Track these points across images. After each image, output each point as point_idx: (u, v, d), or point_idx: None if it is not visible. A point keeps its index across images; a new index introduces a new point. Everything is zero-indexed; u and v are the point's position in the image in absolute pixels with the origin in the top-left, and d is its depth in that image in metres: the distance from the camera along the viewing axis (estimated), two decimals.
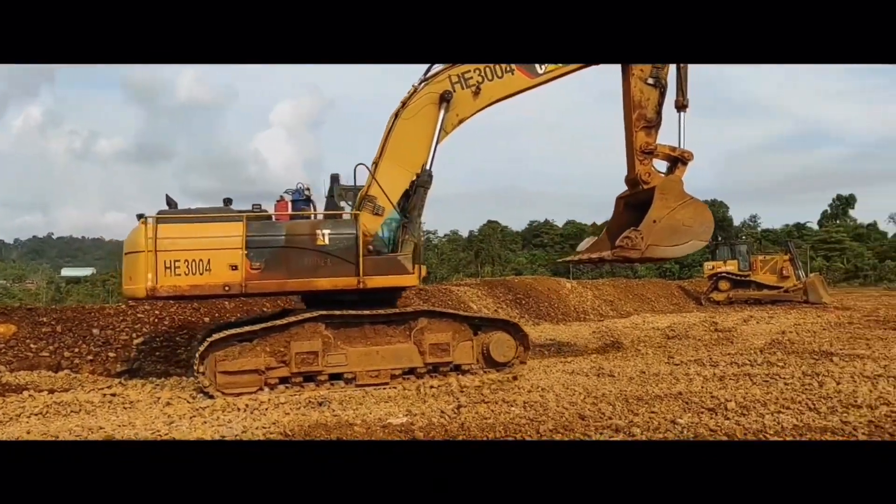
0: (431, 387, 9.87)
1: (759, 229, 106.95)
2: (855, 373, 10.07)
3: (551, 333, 18.42)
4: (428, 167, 10.73)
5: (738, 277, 31.94)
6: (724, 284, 32.05)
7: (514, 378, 10.41)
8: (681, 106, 12.35)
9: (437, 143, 10.75)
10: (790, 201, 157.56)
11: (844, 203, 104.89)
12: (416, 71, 11.13)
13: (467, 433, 7.21)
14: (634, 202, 12.46)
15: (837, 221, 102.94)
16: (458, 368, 10.58)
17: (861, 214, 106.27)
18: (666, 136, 12.47)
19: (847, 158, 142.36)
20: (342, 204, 10.98)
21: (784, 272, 31.29)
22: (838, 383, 9.35)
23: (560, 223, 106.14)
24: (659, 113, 12.15)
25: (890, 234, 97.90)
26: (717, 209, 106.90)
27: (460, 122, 11.09)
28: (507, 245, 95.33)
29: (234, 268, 9.73)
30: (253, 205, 10.42)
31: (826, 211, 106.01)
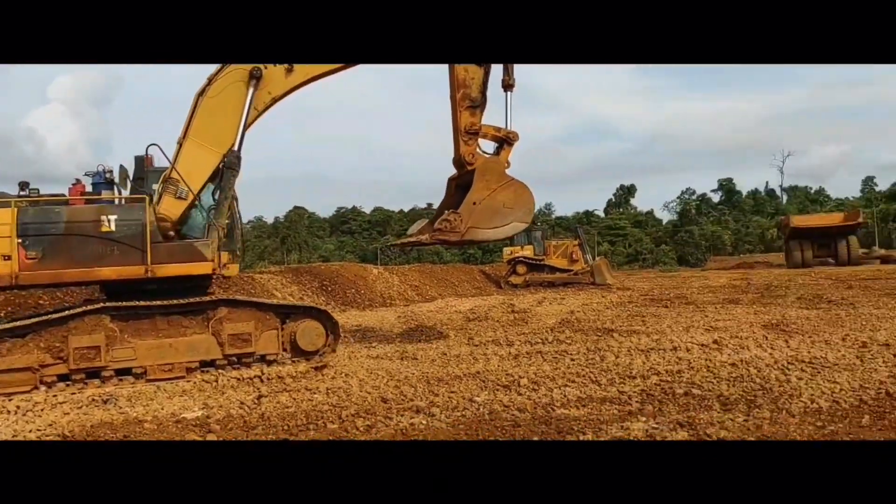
0: (233, 378, 9.49)
1: (553, 216, 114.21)
2: (631, 347, 11.06)
3: (357, 319, 18.45)
4: (236, 148, 10.16)
5: (534, 261, 33.91)
6: (521, 268, 33.90)
7: (323, 367, 10.26)
8: (507, 86, 12.01)
9: (245, 123, 10.08)
10: (581, 190, 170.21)
11: (626, 192, 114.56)
12: None
13: (268, 423, 7.04)
14: (463, 184, 12.21)
15: (620, 209, 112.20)
16: (263, 359, 10.21)
17: (641, 203, 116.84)
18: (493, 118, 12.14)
19: (628, 152, 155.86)
20: (155, 187, 10.13)
21: (574, 256, 33.64)
22: (617, 357, 10.23)
23: (368, 210, 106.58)
24: (483, 93, 11.78)
25: (665, 221, 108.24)
26: None
27: (273, 100, 10.45)
28: (315, 232, 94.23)
29: (7, 258, 8.76)
30: (21, 183, 9.40)
31: (611, 200, 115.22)
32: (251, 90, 10.16)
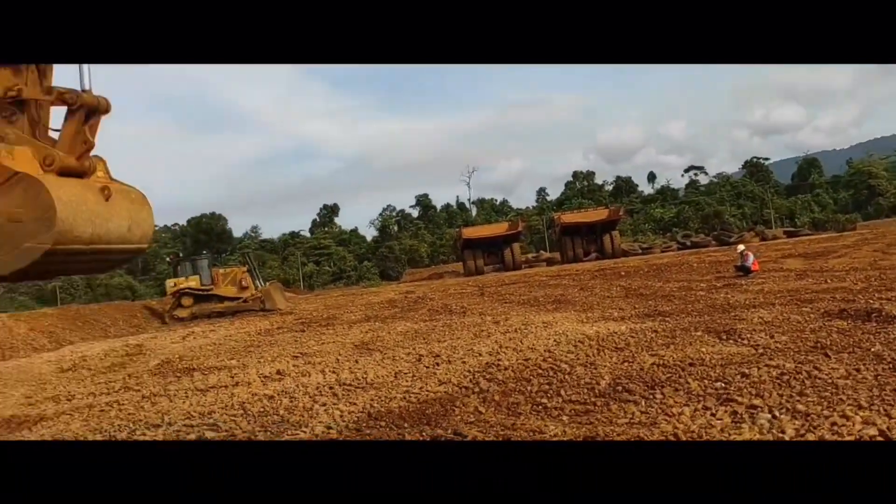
0: None
1: (259, 239, 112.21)
2: (193, 389, 10.65)
3: None
4: None
5: (201, 292, 32.42)
6: (186, 301, 32.20)
7: None
8: None
9: None
10: (287, 212, 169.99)
11: (330, 212, 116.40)
12: None
13: None
14: None
15: (326, 229, 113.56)
16: None
17: (345, 221, 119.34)
18: None
19: (334, 172, 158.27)
20: None
21: (243, 283, 32.76)
22: (172, 402, 9.71)
23: None
24: None
25: (369, 238, 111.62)
26: (216, 222, 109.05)
27: None
28: None
29: None
30: None
31: (315, 220, 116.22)
32: None
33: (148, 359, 15.70)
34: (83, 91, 7.10)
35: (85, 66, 7.07)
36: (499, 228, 55.88)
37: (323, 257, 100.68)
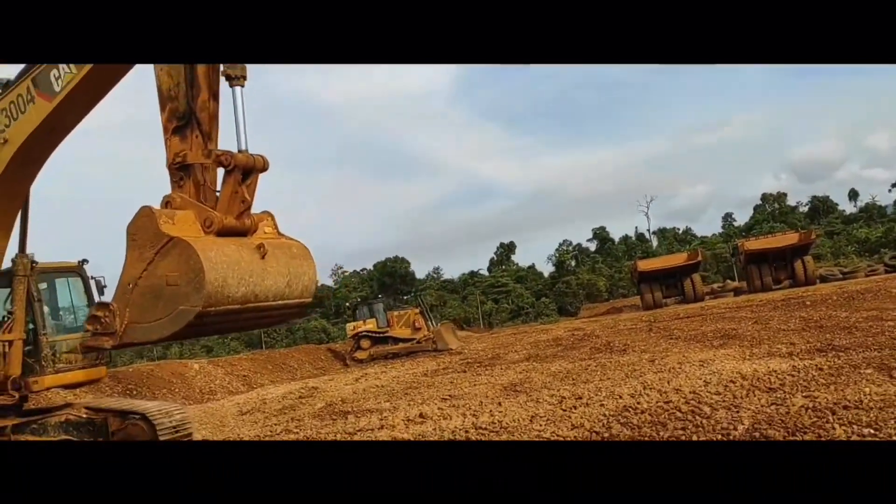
0: None
1: (440, 280, 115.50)
2: (342, 431, 11.15)
3: None
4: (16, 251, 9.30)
5: (378, 335, 33.88)
6: (365, 343, 33.75)
7: None
8: (229, 78, 7.38)
9: None
10: (466, 252, 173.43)
11: (506, 250, 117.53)
12: None
13: None
14: None
15: (503, 267, 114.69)
16: None
17: (522, 258, 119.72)
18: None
19: (511, 209, 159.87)
20: None
21: (416, 325, 33.80)
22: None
23: None
24: (196, 101, 7.47)
25: (546, 274, 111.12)
26: (400, 265, 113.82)
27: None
28: None
29: None
30: None
31: (493, 258, 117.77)
32: None
33: (315, 402, 16.69)
34: (239, 151, 7.51)
35: (241, 127, 7.62)
36: (676, 259, 53.49)
37: (501, 295, 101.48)
